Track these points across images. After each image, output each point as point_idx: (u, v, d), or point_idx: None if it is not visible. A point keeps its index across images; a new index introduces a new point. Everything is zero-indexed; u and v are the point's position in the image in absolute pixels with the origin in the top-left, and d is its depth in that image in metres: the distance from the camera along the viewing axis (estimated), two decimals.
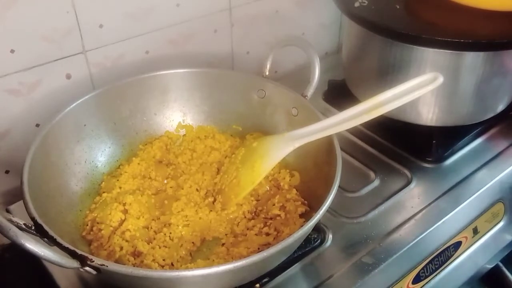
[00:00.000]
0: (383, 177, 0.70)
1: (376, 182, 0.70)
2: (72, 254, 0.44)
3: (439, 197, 0.67)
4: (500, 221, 0.71)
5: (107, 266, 0.44)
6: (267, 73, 0.70)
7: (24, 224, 0.46)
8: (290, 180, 0.65)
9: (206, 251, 0.58)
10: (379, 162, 0.73)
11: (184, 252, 0.57)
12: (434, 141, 0.73)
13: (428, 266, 0.62)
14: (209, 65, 0.85)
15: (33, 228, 0.46)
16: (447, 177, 0.71)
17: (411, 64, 0.68)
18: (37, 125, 0.71)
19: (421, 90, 0.55)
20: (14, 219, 0.45)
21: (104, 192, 0.63)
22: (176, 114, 0.73)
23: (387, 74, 0.71)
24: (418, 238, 0.62)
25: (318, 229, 0.62)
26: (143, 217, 0.60)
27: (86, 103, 0.64)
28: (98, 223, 0.59)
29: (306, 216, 0.60)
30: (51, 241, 0.46)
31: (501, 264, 0.76)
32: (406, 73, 0.69)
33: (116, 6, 0.70)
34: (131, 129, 0.70)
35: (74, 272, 0.57)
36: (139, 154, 0.69)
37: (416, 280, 0.61)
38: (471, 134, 0.76)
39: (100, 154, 0.67)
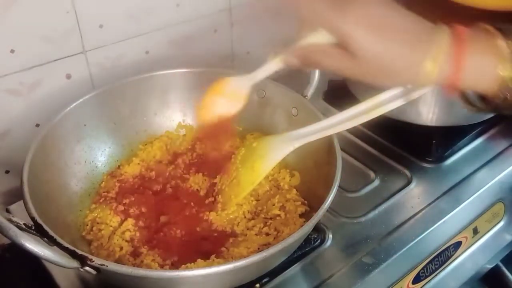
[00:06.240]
0: (383, 177, 0.70)
1: (376, 182, 0.70)
2: (72, 254, 0.44)
3: (439, 197, 0.67)
4: (500, 221, 0.71)
5: (107, 266, 0.44)
6: None
7: (24, 224, 0.46)
8: (290, 180, 0.65)
9: None
10: (379, 162, 0.73)
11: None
12: (434, 141, 0.73)
13: (428, 266, 0.62)
14: (209, 65, 0.85)
15: (33, 228, 0.46)
16: (447, 177, 0.71)
17: None
18: (37, 125, 0.71)
19: (421, 90, 0.54)
20: (14, 219, 0.45)
21: (104, 192, 0.63)
22: (176, 114, 0.73)
23: None
24: (418, 238, 0.62)
25: (318, 229, 0.62)
26: (143, 217, 0.60)
27: (86, 103, 0.64)
28: (98, 223, 0.59)
29: (306, 216, 0.60)
30: (51, 241, 0.46)
31: (501, 264, 0.76)
32: None
33: (116, 6, 0.70)
34: (131, 129, 0.70)
35: (74, 272, 0.57)
36: (139, 154, 0.69)
37: (416, 280, 0.61)
38: (471, 134, 0.76)
39: (100, 154, 0.67)
